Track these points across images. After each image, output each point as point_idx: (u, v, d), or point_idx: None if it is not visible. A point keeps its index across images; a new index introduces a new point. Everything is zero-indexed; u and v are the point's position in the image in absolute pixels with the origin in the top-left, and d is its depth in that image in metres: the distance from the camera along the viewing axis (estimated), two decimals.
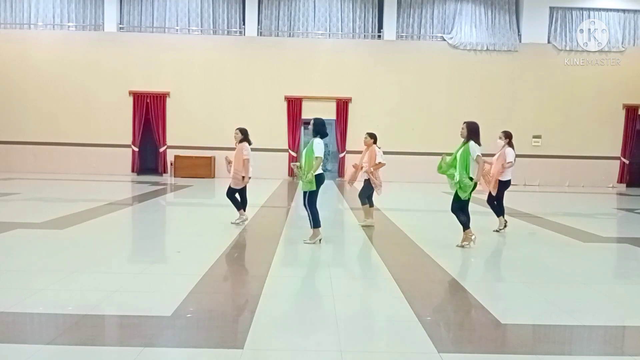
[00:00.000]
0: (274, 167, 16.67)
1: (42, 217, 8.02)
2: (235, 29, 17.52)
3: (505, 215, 7.91)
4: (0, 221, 7.63)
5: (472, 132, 6.45)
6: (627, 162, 17.52)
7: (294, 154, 17.11)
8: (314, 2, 17.46)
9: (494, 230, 7.81)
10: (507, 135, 7.88)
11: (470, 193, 6.41)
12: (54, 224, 7.61)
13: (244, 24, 17.36)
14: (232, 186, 7.86)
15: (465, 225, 6.55)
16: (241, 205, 7.96)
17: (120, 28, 17.37)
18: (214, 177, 16.68)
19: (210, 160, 16.83)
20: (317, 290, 4.84)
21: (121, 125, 16.96)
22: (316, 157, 6.30)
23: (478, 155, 6.31)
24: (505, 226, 7.85)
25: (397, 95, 17.11)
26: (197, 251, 6.31)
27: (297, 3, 17.46)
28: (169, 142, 17.16)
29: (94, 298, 4.23)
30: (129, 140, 17.05)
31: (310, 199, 6.50)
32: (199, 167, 16.75)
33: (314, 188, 6.39)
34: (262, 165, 15.36)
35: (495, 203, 7.89)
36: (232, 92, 16.97)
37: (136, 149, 17.13)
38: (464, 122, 6.58)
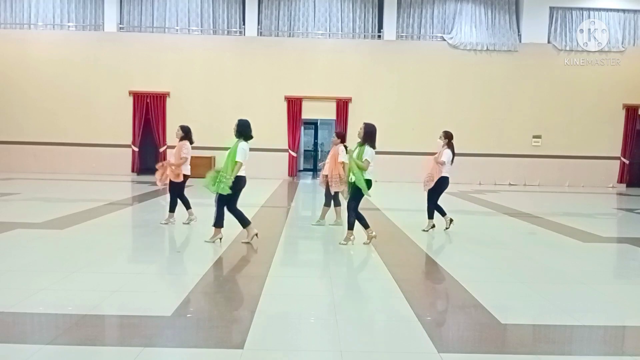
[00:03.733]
0: (274, 167, 16.69)
1: (42, 217, 8.02)
2: (235, 29, 17.51)
3: (434, 219, 7.76)
4: (0, 221, 7.63)
5: (368, 135, 6.47)
6: (627, 162, 17.50)
7: (294, 154, 17.12)
8: (314, 2, 17.45)
9: (422, 229, 7.71)
10: (447, 136, 7.77)
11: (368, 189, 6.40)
12: (54, 224, 7.61)
13: (244, 24, 17.36)
14: (172, 179, 7.58)
15: (351, 226, 6.59)
16: (173, 206, 7.73)
17: (120, 28, 17.37)
18: None
19: (210, 160, 16.79)
20: (317, 290, 4.83)
21: (121, 125, 16.94)
22: (236, 162, 6.16)
23: (366, 160, 6.34)
24: (433, 227, 7.71)
25: (397, 95, 17.09)
26: (197, 251, 6.31)
27: (297, 3, 17.45)
28: (169, 142, 17.11)
29: (94, 298, 4.23)
30: (129, 140, 17.04)
31: (230, 201, 6.32)
32: (199, 167, 16.50)
33: (229, 192, 6.18)
34: (262, 165, 15.44)
35: (429, 203, 7.74)
36: (232, 92, 16.96)
37: (136, 149, 17.13)
38: (363, 123, 6.59)
